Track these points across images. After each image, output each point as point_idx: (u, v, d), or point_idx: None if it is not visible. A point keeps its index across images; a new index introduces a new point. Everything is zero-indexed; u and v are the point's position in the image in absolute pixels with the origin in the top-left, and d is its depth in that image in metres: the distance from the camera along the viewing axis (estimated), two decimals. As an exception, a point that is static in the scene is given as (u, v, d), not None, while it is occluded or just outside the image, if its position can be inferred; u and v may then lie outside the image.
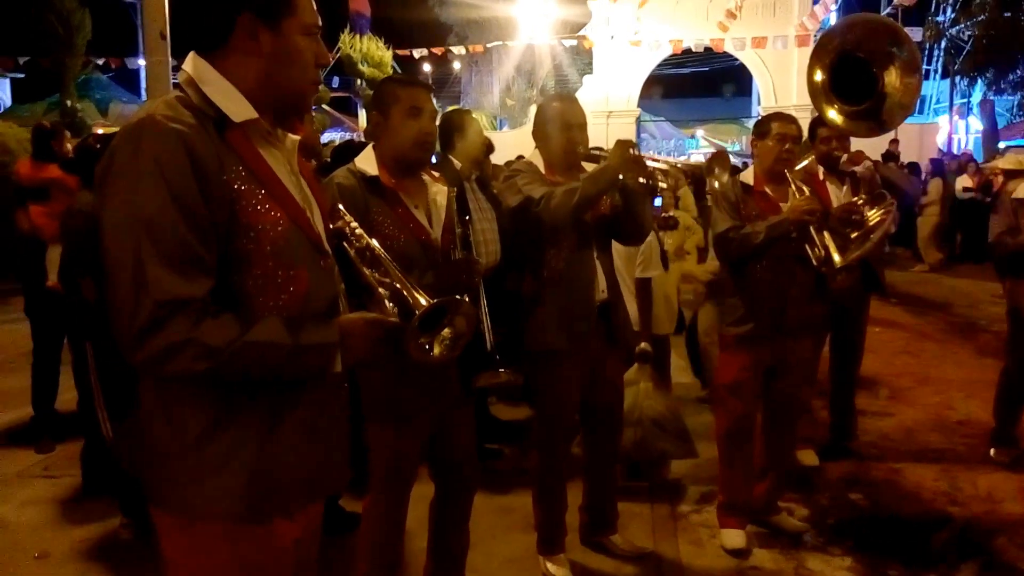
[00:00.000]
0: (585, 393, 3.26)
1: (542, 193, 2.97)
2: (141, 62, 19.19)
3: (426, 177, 2.63)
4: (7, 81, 24.88)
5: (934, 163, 14.29)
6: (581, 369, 3.19)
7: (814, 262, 3.35)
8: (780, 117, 3.53)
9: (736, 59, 22.11)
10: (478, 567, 3.15)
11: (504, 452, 4.67)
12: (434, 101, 2.67)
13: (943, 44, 25.23)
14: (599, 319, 3.18)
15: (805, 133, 3.99)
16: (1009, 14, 21.78)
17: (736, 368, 3.51)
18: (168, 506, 1.53)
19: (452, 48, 24.16)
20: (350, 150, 3.78)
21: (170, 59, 7.49)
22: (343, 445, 1.72)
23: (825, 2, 20.45)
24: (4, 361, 6.65)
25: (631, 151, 2.91)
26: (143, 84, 20.31)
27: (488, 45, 23.99)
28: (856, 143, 4.33)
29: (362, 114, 22.56)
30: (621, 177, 2.95)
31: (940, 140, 22.94)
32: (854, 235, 3.56)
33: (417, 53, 22.67)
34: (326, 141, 11.31)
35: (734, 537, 3.53)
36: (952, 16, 24.62)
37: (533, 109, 4.02)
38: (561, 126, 3.14)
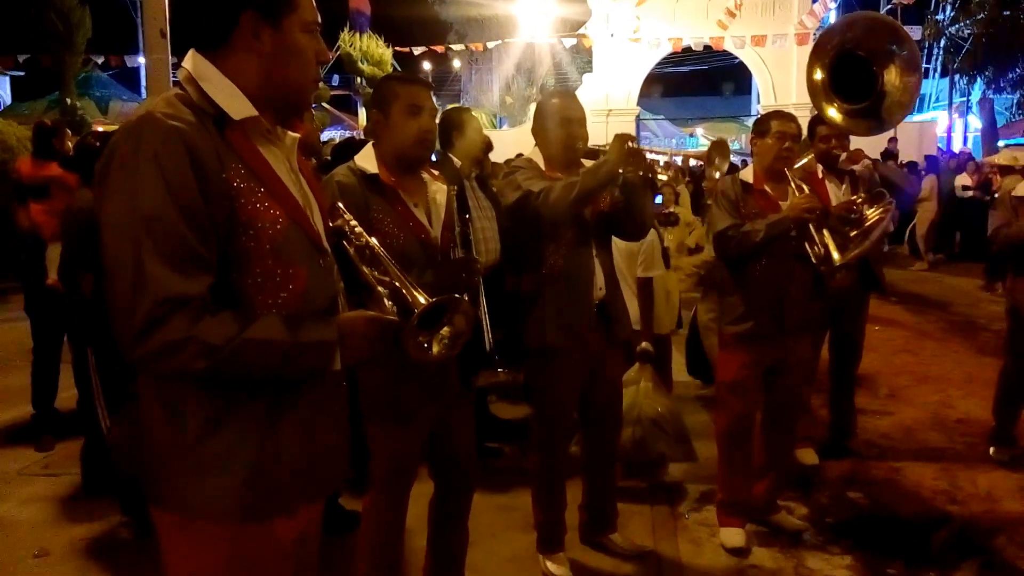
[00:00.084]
0: (584, 391, 3.26)
1: (541, 187, 2.97)
2: (141, 60, 19.19)
3: (426, 175, 2.63)
4: (7, 79, 24.88)
5: (929, 160, 14.31)
6: (580, 367, 3.19)
7: (813, 260, 3.35)
8: (779, 115, 3.53)
9: (736, 57, 22.10)
10: (478, 566, 3.16)
11: (504, 451, 4.68)
12: (434, 99, 2.67)
13: (942, 42, 25.22)
14: (598, 317, 3.18)
15: (804, 131, 3.99)
16: (1008, 12, 21.76)
17: (736, 367, 3.50)
18: (167, 505, 1.53)
19: (452, 46, 24.19)
20: (350, 148, 3.78)
21: (170, 57, 7.49)
22: (343, 444, 1.72)
23: (824, 0, 20.45)
24: (4, 359, 6.65)
25: (630, 144, 2.91)
26: (143, 82, 20.30)
27: (488, 43, 23.98)
28: (855, 141, 4.33)
29: (362, 112, 22.55)
30: (621, 172, 2.94)
31: (941, 128, 22.94)
32: (853, 234, 3.57)
33: (417, 51, 22.68)
34: (326, 139, 11.32)
35: (734, 536, 3.53)
36: (951, 14, 24.61)
37: (533, 107, 4.03)
38: (560, 121, 3.13)
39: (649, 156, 2.95)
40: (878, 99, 3.76)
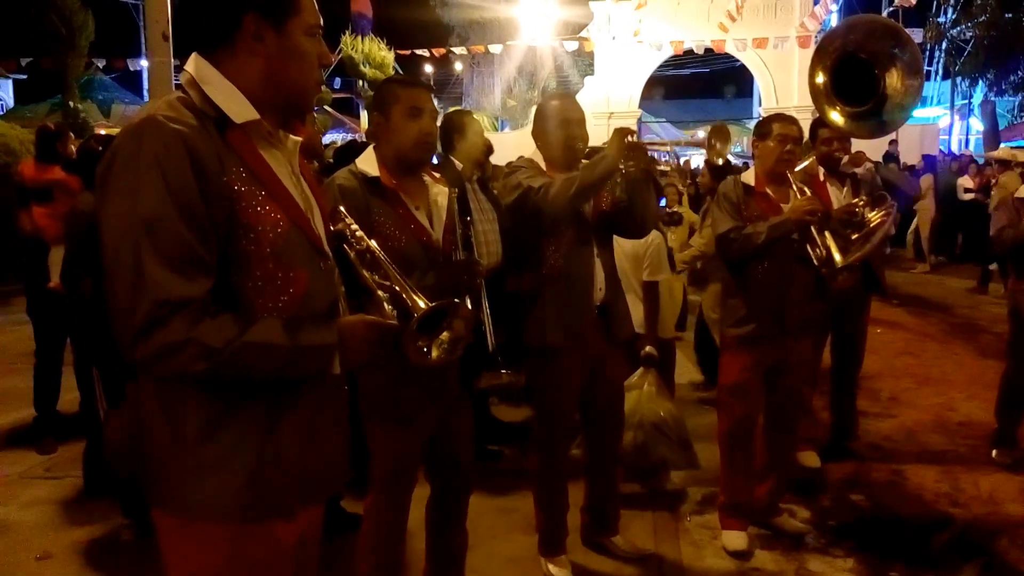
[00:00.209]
0: (585, 392, 3.26)
1: (541, 183, 2.97)
2: (143, 63, 19.24)
3: (427, 178, 2.63)
4: (9, 82, 24.94)
5: (927, 159, 14.32)
6: (580, 367, 3.19)
7: (815, 262, 3.35)
8: (781, 118, 3.53)
9: (737, 60, 22.11)
10: (479, 568, 3.16)
11: (505, 453, 4.67)
12: (435, 101, 2.67)
13: (944, 45, 25.23)
14: (599, 317, 3.18)
15: (806, 134, 3.99)
16: (1010, 15, 21.78)
17: (737, 369, 3.50)
18: (168, 506, 1.53)
19: (454, 49, 24.20)
20: (352, 151, 3.79)
21: (172, 60, 7.49)
22: (343, 446, 1.72)
23: (826, 3, 20.44)
24: (6, 362, 6.66)
25: (629, 139, 2.91)
26: (146, 85, 20.36)
27: (490, 46, 24.01)
28: (856, 144, 4.33)
29: (364, 115, 22.59)
30: (622, 167, 2.94)
31: (943, 124, 22.94)
32: (855, 236, 3.57)
33: (419, 54, 22.70)
34: (328, 142, 11.32)
35: (735, 538, 3.53)
36: (953, 17, 24.62)
37: (534, 110, 4.03)
38: (560, 123, 3.14)
39: (649, 151, 2.95)
40: (880, 102, 3.76)
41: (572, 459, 3.51)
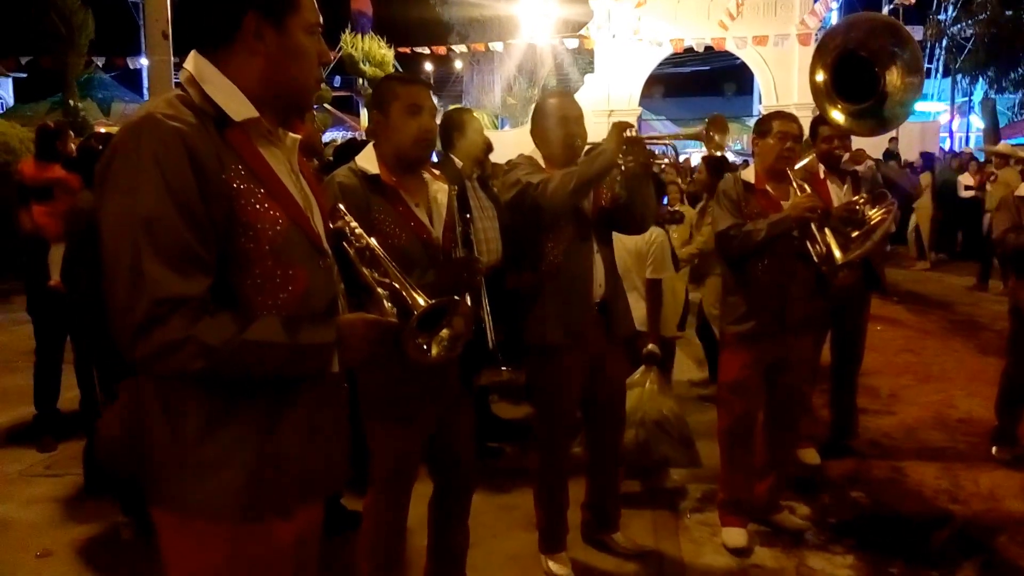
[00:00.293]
0: (586, 390, 3.25)
1: (539, 179, 2.97)
2: (143, 61, 19.23)
3: (427, 175, 2.63)
4: (9, 81, 24.93)
5: (925, 156, 14.33)
6: (581, 365, 3.19)
7: (815, 260, 3.35)
8: (781, 115, 3.53)
9: (737, 58, 22.10)
10: (479, 565, 3.16)
11: (505, 450, 4.68)
12: (435, 99, 2.67)
13: (944, 42, 25.22)
14: (599, 315, 3.18)
15: (806, 132, 3.99)
16: (1011, 12, 21.77)
17: (737, 366, 3.50)
18: (167, 505, 1.53)
19: (454, 47, 24.19)
20: (352, 149, 3.79)
21: (172, 58, 7.49)
22: (343, 444, 1.72)
23: (826, 0, 20.43)
24: (6, 360, 6.66)
25: (627, 133, 2.91)
26: (145, 83, 20.34)
27: (490, 44, 24.00)
28: (856, 142, 4.33)
29: (364, 113, 22.57)
30: (620, 161, 2.94)
31: (943, 120, 22.96)
32: (855, 234, 3.57)
33: (419, 52, 22.69)
34: (328, 140, 11.32)
35: (735, 535, 3.53)
36: (953, 14, 24.61)
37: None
38: (558, 120, 3.14)
39: (648, 145, 2.95)
40: (880, 99, 3.76)
41: (573, 457, 3.51)
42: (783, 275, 3.41)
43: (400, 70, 22.42)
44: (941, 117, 25.73)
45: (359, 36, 23.60)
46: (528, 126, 3.30)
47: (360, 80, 23.66)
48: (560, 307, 3.10)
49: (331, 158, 4.70)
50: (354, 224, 1.80)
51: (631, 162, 2.96)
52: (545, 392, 3.24)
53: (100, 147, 4.04)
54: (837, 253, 3.31)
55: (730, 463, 3.59)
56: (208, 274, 1.44)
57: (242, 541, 1.53)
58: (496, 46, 24.37)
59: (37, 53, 17.99)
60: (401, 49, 23.42)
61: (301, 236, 1.56)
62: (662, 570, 3.39)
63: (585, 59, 25.47)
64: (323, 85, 21.39)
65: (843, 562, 3.43)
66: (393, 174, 2.53)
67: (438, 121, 2.82)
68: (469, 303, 2.49)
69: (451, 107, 4.72)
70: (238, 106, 1.51)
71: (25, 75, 22.05)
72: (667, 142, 3.00)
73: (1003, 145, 11.00)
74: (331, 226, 1.75)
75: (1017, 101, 24.43)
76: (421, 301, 1.61)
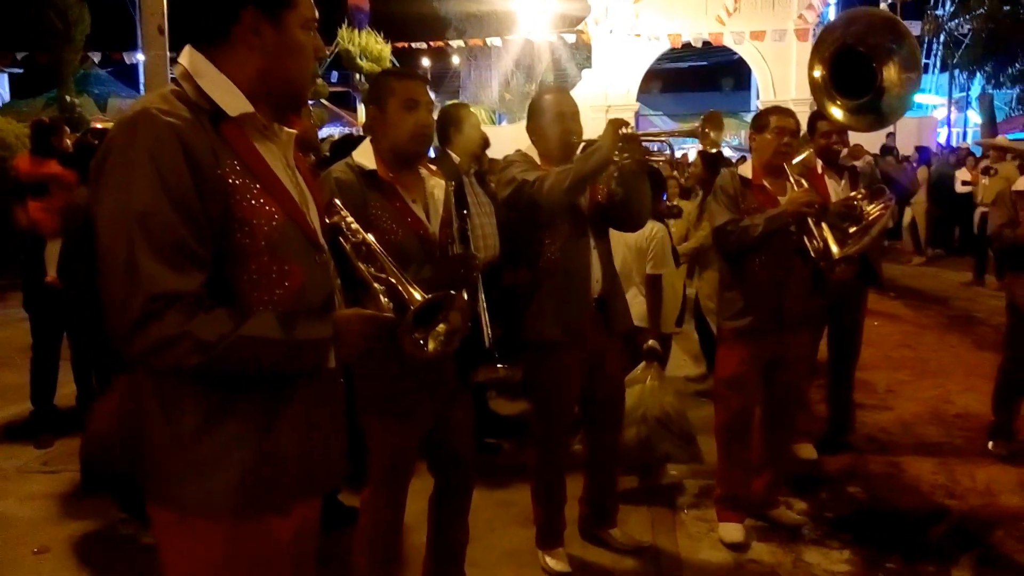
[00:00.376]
0: (585, 386, 3.25)
1: (535, 177, 2.97)
2: (140, 57, 19.17)
3: (423, 171, 2.63)
4: (5, 76, 24.83)
5: (921, 151, 14.35)
6: (579, 361, 3.18)
7: (812, 254, 3.35)
8: (778, 111, 3.53)
9: (735, 53, 22.07)
10: (477, 561, 3.16)
11: (503, 446, 4.68)
12: (431, 94, 2.66)
13: (942, 38, 25.22)
14: (597, 311, 3.18)
15: (804, 127, 3.99)
16: (1008, 7, 21.76)
17: (735, 362, 3.51)
18: (165, 502, 1.53)
19: (451, 42, 24.16)
20: (348, 145, 3.78)
21: (169, 53, 7.48)
22: (340, 439, 1.72)
23: (824, -5, 20.43)
24: (3, 357, 6.65)
25: (623, 130, 2.91)
26: (142, 79, 20.29)
27: (487, 39, 23.96)
28: (854, 137, 4.33)
29: (361, 109, 22.52)
30: (616, 159, 2.94)
31: (940, 115, 23.01)
32: (852, 230, 3.57)
33: (416, 47, 22.65)
34: (324, 136, 11.31)
35: (733, 531, 3.54)
36: (951, 9, 24.60)
37: (531, 104, 4.02)
38: (554, 116, 3.13)
39: (644, 141, 2.94)
40: (878, 95, 3.76)
41: (574, 455, 3.52)
42: (780, 271, 3.41)
43: (397, 65, 22.37)
44: (938, 112, 25.75)
45: (356, 31, 23.55)
46: (525, 122, 3.30)
47: (357, 76, 23.62)
48: (558, 304, 3.10)
49: (327, 154, 4.69)
50: (350, 219, 1.80)
51: (626, 159, 2.96)
52: (543, 389, 3.24)
53: (96, 143, 4.04)
54: (834, 248, 3.31)
55: (727, 459, 3.59)
56: (203, 270, 1.43)
57: (240, 538, 1.53)
58: (494, 41, 24.33)
59: (33, 48, 17.93)
60: (398, 44, 23.38)
61: (297, 231, 1.56)
62: (659, 566, 3.40)
63: (583, 54, 25.44)
64: (320, 81, 21.39)
65: (840, 557, 3.43)
66: (390, 170, 2.52)
67: (435, 116, 2.81)
68: (466, 298, 2.49)
69: (448, 103, 4.71)
70: (233, 101, 1.51)
71: (21, 71, 21.97)
72: (663, 139, 3.00)
73: (1000, 138, 11.01)
74: (327, 221, 1.74)
75: (1014, 96, 24.42)
76: (417, 296, 1.61)
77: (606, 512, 3.51)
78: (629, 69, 21.39)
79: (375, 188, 2.49)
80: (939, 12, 25.02)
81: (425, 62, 27.56)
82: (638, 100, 22.37)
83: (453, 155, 3.93)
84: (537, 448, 3.31)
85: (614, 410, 3.42)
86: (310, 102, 1.95)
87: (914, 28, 21.33)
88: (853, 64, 3.83)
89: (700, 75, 35.89)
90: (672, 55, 24.67)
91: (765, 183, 3.46)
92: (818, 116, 4.19)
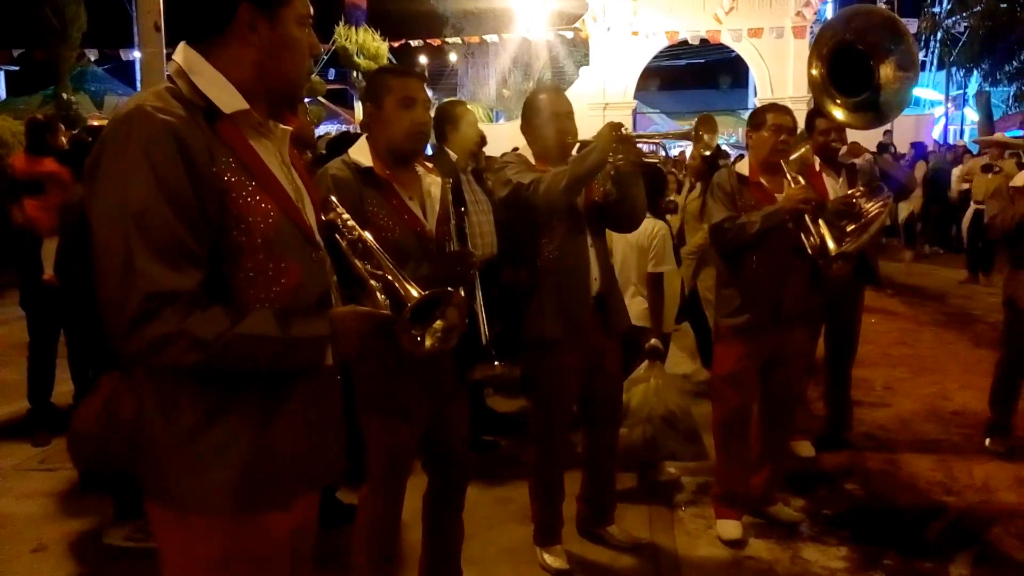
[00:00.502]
0: (584, 385, 3.25)
1: (531, 179, 2.97)
2: (136, 54, 19.14)
3: (420, 168, 2.62)
4: (2, 74, 24.80)
5: (917, 147, 14.37)
6: (578, 359, 3.18)
7: (809, 251, 3.35)
8: (775, 108, 3.52)
9: (732, 50, 22.07)
10: (475, 558, 3.16)
11: (500, 444, 4.68)
12: (429, 92, 2.66)
13: (939, 35, 25.22)
14: (595, 309, 3.18)
15: (801, 124, 3.98)
16: (1005, 5, 21.77)
17: (733, 359, 3.51)
18: (163, 499, 1.53)
19: (448, 40, 24.14)
20: (345, 142, 3.77)
21: (165, 50, 7.46)
22: (337, 437, 1.72)
23: (822, -8, 20.43)
24: (0, 355, 6.64)
25: (618, 132, 2.91)
26: (138, 76, 20.26)
27: (485, 37, 23.94)
28: (851, 135, 4.33)
29: (358, 106, 22.52)
30: (611, 160, 2.93)
31: (938, 112, 23.05)
32: (850, 228, 3.57)
33: (413, 45, 22.64)
34: (322, 133, 11.29)
35: (730, 528, 3.54)
36: (948, 7, 24.60)
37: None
38: (549, 116, 3.13)
39: (638, 143, 2.94)
40: (875, 92, 3.76)
41: (568, 449, 3.51)
42: (778, 268, 3.41)
43: (395, 63, 22.35)
44: (936, 110, 25.77)
45: (353, 29, 23.54)
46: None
47: (354, 73, 23.62)
48: (558, 302, 3.10)
49: (323, 151, 4.69)
50: (346, 216, 1.79)
51: (620, 160, 2.96)
52: (542, 387, 3.24)
53: (90, 140, 4.03)
54: (831, 244, 3.30)
55: (725, 456, 3.59)
56: (200, 267, 1.43)
57: (238, 535, 1.53)
58: (491, 39, 24.31)
59: (30, 46, 17.93)
60: (395, 42, 23.35)
61: (293, 228, 1.56)
62: (657, 563, 3.40)
63: (580, 52, 25.45)
64: (317, 78, 21.38)
65: (837, 554, 3.44)
66: (387, 167, 2.52)
67: (432, 114, 2.81)
68: (463, 296, 2.49)
69: (445, 100, 4.70)
70: (228, 98, 1.50)
71: (17, 68, 21.96)
72: (657, 140, 3.00)
73: (997, 135, 11.00)
74: (323, 218, 1.74)
75: (1011, 94, 24.44)
76: (414, 292, 1.61)
77: (604, 509, 3.51)
78: (627, 67, 21.38)
79: (372, 185, 2.48)
80: (936, 9, 25.04)
81: (422, 59, 27.53)
82: (636, 98, 22.37)
83: (450, 153, 3.93)
84: (536, 446, 3.31)
85: (613, 408, 3.42)
86: (307, 99, 1.94)
87: (911, 25, 21.36)
88: (851, 61, 3.82)
89: (698, 73, 35.92)
90: (670, 53, 24.69)
91: (762, 180, 3.46)
92: (816, 114, 4.18)
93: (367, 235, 1.77)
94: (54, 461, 4.52)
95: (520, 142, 3.29)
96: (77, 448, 2.73)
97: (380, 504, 2.64)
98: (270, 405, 1.54)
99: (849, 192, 3.80)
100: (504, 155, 3.27)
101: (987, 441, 4.54)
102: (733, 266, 3.49)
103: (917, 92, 22.74)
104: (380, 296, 1.63)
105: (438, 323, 1.65)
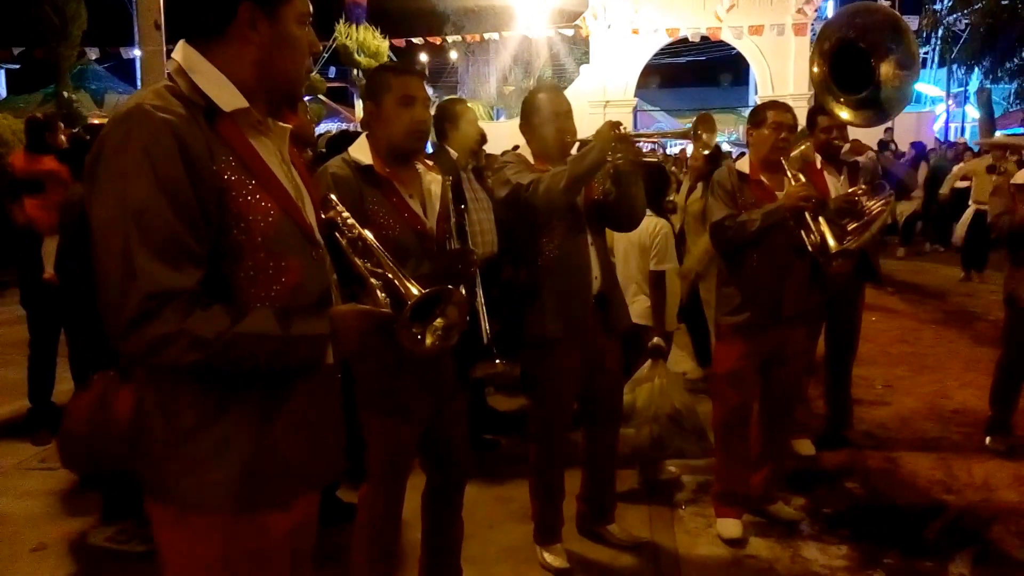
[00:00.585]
0: (584, 384, 3.25)
1: (530, 179, 2.96)
2: (137, 52, 19.14)
3: (420, 166, 2.62)
4: (2, 72, 24.80)
5: (917, 146, 14.35)
6: (578, 358, 3.18)
7: (810, 249, 3.34)
8: (775, 106, 3.52)
9: (733, 48, 22.06)
10: (475, 557, 3.16)
11: (501, 443, 4.68)
12: (429, 89, 2.65)
13: (940, 32, 25.19)
14: (596, 308, 3.17)
15: (802, 122, 3.98)
16: (1006, 2, 21.74)
17: (733, 357, 3.50)
18: (163, 498, 1.53)
19: (449, 38, 24.12)
20: (345, 140, 3.76)
21: (165, 49, 7.47)
22: (338, 435, 1.72)
23: (822, -11, 20.41)
24: (1, 353, 6.64)
25: (617, 131, 2.90)
26: (139, 74, 20.26)
27: (485, 35, 23.94)
28: (852, 132, 4.32)
29: (359, 104, 22.51)
30: (609, 159, 2.93)
31: (939, 110, 23.03)
32: (852, 226, 3.56)
33: (413, 42, 22.62)
34: (322, 131, 11.29)
35: (730, 526, 3.54)
36: (949, 4, 24.57)
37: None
38: (549, 115, 3.13)
39: (637, 142, 2.94)
40: (876, 89, 3.75)
41: (568, 447, 3.51)
42: (778, 267, 3.40)
43: (395, 60, 22.35)
44: (937, 107, 25.75)
45: (353, 27, 23.52)
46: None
47: (355, 71, 23.60)
48: (559, 300, 3.09)
49: (323, 149, 4.68)
50: (346, 214, 1.79)
51: (619, 159, 2.96)
52: (543, 385, 3.23)
53: (89, 138, 4.03)
54: (831, 242, 3.29)
55: (725, 454, 3.59)
56: (199, 266, 1.43)
57: (238, 534, 1.53)
58: (491, 37, 24.30)
59: (30, 44, 17.92)
60: (396, 40, 23.33)
61: (293, 227, 1.55)
62: (657, 561, 3.40)
63: (581, 50, 25.43)
64: (317, 76, 21.36)
65: (838, 552, 3.44)
66: (387, 165, 2.51)
67: (432, 112, 2.80)
68: (463, 293, 2.48)
69: (446, 98, 4.70)
70: (228, 96, 1.50)
71: (18, 66, 21.95)
72: (656, 140, 3.00)
73: (998, 136, 10.98)
74: (323, 216, 1.74)
75: (1013, 91, 24.41)
76: (415, 290, 1.60)
77: (604, 508, 3.51)
78: (627, 64, 21.38)
79: (372, 184, 2.48)
80: (937, 7, 25.00)
81: (423, 57, 27.51)
82: (636, 95, 22.39)
83: (451, 151, 3.92)
84: (536, 444, 3.31)
85: (613, 407, 3.42)
86: (307, 97, 1.94)
87: (912, 23, 21.34)
88: (853, 59, 3.82)
89: (698, 70, 35.92)
90: (671, 50, 24.67)
91: (762, 178, 3.46)
92: (817, 111, 4.18)
93: (367, 233, 1.76)
94: (54, 460, 4.47)
95: (520, 140, 3.29)
96: (68, 448, 2.72)
97: (380, 503, 2.64)
98: (270, 404, 1.53)
99: (852, 190, 3.80)
100: (504, 154, 3.26)
101: (987, 439, 4.54)
102: (734, 264, 3.49)
103: (918, 88, 22.73)
104: (380, 294, 1.63)
105: (439, 321, 1.64)
